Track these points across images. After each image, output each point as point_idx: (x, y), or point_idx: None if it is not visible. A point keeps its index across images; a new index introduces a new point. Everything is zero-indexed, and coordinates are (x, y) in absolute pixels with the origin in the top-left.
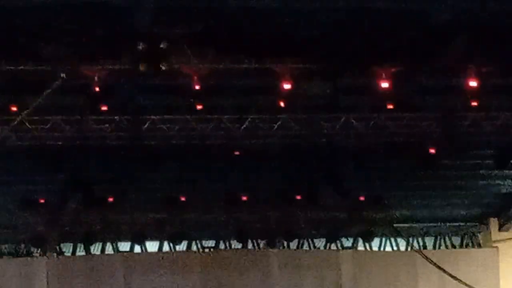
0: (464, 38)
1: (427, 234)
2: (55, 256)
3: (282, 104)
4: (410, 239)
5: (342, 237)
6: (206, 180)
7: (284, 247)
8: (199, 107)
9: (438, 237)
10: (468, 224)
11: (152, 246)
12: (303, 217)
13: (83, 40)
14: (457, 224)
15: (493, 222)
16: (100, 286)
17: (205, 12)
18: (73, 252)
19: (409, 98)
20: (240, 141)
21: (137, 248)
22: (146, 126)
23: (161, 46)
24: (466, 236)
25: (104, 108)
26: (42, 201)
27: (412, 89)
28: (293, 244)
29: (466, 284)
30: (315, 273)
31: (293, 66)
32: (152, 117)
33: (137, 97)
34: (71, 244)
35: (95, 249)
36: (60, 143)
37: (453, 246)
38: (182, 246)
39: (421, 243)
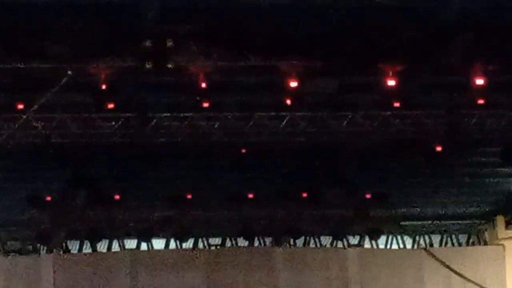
0: (469, 36)
1: (433, 231)
2: (62, 254)
3: (288, 102)
4: (417, 237)
5: (348, 235)
6: (212, 177)
7: (290, 245)
8: (205, 105)
9: (444, 235)
10: (474, 221)
11: (158, 243)
12: (309, 215)
13: (89, 38)
14: (463, 221)
15: (500, 220)
16: (106, 283)
17: (210, 10)
18: (80, 250)
19: (415, 96)
20: (246, 139)
21: (144, 246)
22: (152, 123)
23: (167, 44)
24: (472, 233)
25: (110, 106)
26: (48, 198)
27: (418, 87)
28: (299, 242)
29: (472, 282)
30: (321, 271)
31: (299, 64)
32: (158, 114)
33: (143, 95)
34: (78, 241)
35: (102, 246)
36: (66, 140)
37: (460, 244)
38: (188, 244)
39: (427, 241)
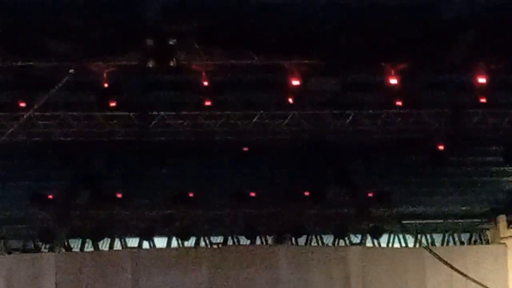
0: (472, 35)
1: (435, 230)
2: (64, 252)
3: (290, 100)
4: (419, 236)
5: (350, 233)
6: (214, 176)
7: (292, 243)
8: (207, 103)
9: (446, 234)
10: (476, 220)
11: (160, 242)
12: (311, 213)
13: (91, 37)
14: (465, 220)
15: (502, 219)
16: (109, 282)
17: (213, 9)
18: (82, 248)
19: (417, 94)
20: (248, 137)
21: (146, 244)
22: (154, 122)
23: (170, 42)
24: (474, 232)
25: (113, 104)
26: (50, 197)
27: (420, 85)
28: (302, 240)
29: (474, 281)
30: (323, 270)
31: (302, 62)
32: (161, 113)
33: (146, 93)
34: (80, 239)
35: (104, 245)
36: (69, 139)
37: (462, 243)
38: (190, 242)
39: (429, 240)
